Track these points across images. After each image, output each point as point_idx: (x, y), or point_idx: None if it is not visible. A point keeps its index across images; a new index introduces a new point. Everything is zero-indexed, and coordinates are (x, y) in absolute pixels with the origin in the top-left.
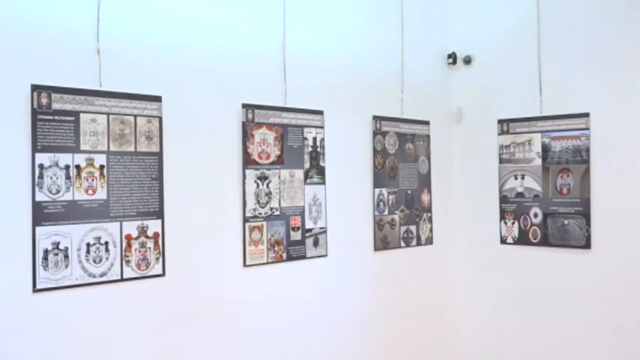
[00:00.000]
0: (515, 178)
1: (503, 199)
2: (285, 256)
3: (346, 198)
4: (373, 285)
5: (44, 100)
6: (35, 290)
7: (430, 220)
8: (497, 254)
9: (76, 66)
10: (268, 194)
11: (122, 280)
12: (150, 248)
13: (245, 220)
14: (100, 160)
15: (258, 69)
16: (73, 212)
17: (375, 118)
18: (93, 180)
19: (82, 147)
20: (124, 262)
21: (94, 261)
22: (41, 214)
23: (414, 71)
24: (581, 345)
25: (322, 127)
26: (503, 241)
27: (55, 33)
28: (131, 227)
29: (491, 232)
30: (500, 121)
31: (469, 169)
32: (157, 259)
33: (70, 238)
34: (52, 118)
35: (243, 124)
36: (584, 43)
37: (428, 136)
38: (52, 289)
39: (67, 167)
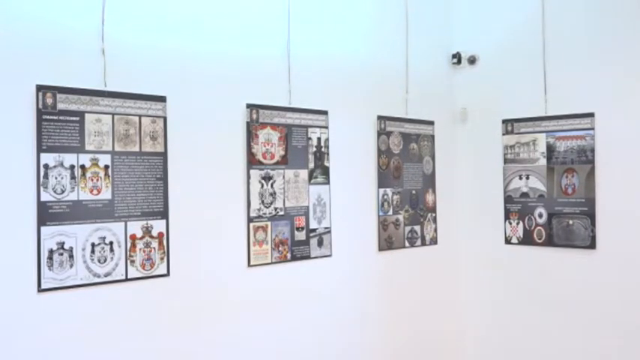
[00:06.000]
0: (520, 178)
1: (508, 199)
2: (289, 256)
3: (350, 198)
4: (377, 285)
5: (49, 101)
6: (40, 290)
7: (434, 220)
8: (502, 254)
9: (81, 66)
10: (273, 194)
11: (127, 280)
12: (154, 248)
13: (249, 220)
14: (105, 160)
15: (262, 69)
16: (77, 212)
17: (380, 118)
18: (98, 180)
19: (87, 147)
20: (128, 262)
21: (99, 261)
22: (46, 214)
23: (419, 71)
24: (587, 345)
25: (326, 127)
26: (507, 241)
27: (60, 33)
28: (136, 227)
29: (495, 232)
30: (505, 121)
31: (474, 169)
32: (162, 259)
33: (74, 238)
34: (57, 118)
35: (248, 124)
36: (589, 43)
37: (432, 136)
38: (56, 288)
39: (72, 167)
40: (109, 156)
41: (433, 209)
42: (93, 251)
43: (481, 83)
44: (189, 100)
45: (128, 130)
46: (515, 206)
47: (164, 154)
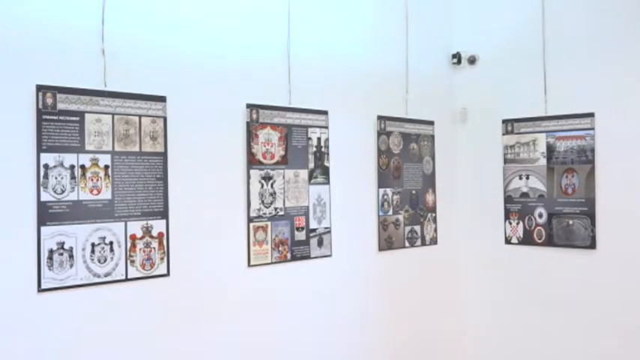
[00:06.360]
0: (520, 178)
1: (508, 199)
2: (289, 256)
3: (350, 198)
4: (377, 285)
5: (49, 101)
6: (40, 290)
7: (434, 220)
8: (502, 254)
9: (81, 66)
10: (273, 194)
11: (127, 280)
12: (154, 248)
13: (249, 220)
14: (105, 160)
15: (262, 69)
16: (77, 212)
17: (380, 118)
18: (98, 180)
19: (87, 147)
20: (128, 262)
21: (99, 261)
22: (46, 214)
23: (419, 71)
24: (587, 345)
25: (326, 127)
26: (507, 241)
27: (60, 33)
28: (136, 227)
29: (495, 232)
30: (505, 121)
31: (474, 169)
32: (162, 259)
33: (74, 238)
34: (57, 118)
35: (248, 124)
36: (589, 43)
37: (432, 136)
38: (56, 288)
39: (72, 167)
40: (109, 156)
41: (433, 209)
42: (93, 251)
43: (481, 83)
44: (189, 100)
45: (128, 130)
46: (515, 206)
47: (164, 154)
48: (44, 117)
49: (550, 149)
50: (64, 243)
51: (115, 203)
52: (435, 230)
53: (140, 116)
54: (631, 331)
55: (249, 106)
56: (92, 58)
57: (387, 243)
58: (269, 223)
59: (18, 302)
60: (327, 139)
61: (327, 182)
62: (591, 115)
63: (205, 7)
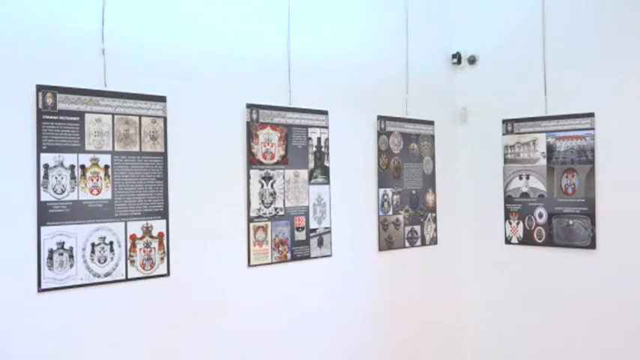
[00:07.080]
0: (520, 178)
1: (508, 199)
2: (289, 256)
3: (351, 198)
4: (377, 285)
5: (49, 101)
6: (40, 290)
7: (435, 220)
8: (502, 254)
9: (81, 66)
10: (273, 194)
11: (127, 280)
12: (154, 248)
13: (249, 220)
14: (105, 160)
15: (262, 69)
16: (77, 212)
17: (380, 118)
18: (98, 180)
19: (87, 147)
20: (128, 262)
21: (99, 261)
22: (46, 214)
23: (419, 71)
24: (586, 345)
25: (327, 127)
26: (507, 241)
27: (60, 33)
28: (136, 227)
29: (495, 232)
30: (505, 121)
31: (474, 169)
32: (162, 259)
33: (75, 238)
34: (57, 118)
35: (248, 124)
36: (589, 43)
37: (432, 136)
38: (56, 288)
39: (72, 167)
40: (109, 156)
41: (433, 209)
42: (93, 251)
43: (481, 83)
44: (189, 100)
45: (128, 130)
46: (516, 206)
47: (164, 154)
48: (44, 117)
49: (550, 149)
50: (64, 243)
51: (115, 203)
52: (435, 230)
53: (140, 116)
54: (631, 330)
55: (249, 106)
56: (92, 58)
57: (387, 243)
58: (269, 223)
59: (18, 302)
60: (327, 139)
61: (327, 182)
62: (591, 115)
63: (205, 7)
